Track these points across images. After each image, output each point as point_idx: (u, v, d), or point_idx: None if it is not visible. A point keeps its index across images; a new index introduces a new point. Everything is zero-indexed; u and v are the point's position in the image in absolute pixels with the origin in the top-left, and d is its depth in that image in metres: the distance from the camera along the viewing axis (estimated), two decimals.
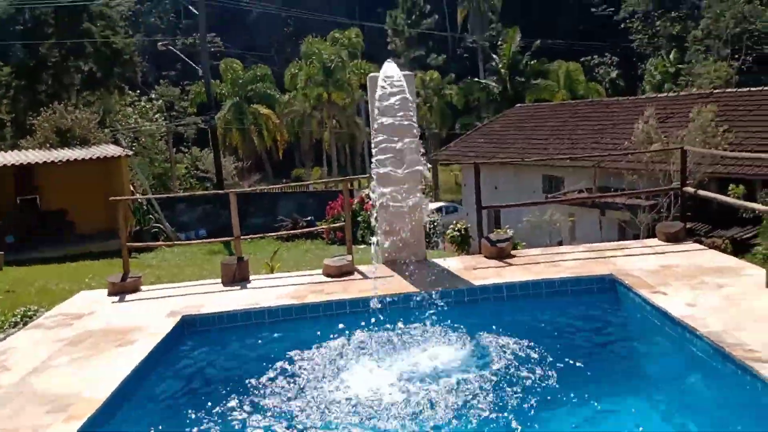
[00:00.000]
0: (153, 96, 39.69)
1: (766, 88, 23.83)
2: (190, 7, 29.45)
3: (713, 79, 40.90)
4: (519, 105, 36.57)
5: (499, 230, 16.51)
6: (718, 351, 4.72)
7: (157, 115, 34.62)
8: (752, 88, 24.58)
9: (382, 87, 6.81)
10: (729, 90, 27.54)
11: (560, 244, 18.10)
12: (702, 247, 8.00)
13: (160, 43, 34.13)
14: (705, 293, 5.89)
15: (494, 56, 46.80)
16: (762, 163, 16.91)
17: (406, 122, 6.74)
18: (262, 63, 50.48)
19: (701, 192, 8.50)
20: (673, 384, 5.06)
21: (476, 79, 48.81)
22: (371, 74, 7.51)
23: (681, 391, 4.94)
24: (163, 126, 34.21)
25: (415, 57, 44.80)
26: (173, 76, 58.02)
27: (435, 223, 21.26)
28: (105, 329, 6.23)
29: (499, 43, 48.07)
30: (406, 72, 7.47)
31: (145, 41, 55.48)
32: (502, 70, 44.70)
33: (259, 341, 6.17)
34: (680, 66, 47.62)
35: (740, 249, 15.29)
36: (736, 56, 45.99)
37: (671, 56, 49.54)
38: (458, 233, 18.09)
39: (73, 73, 33.51)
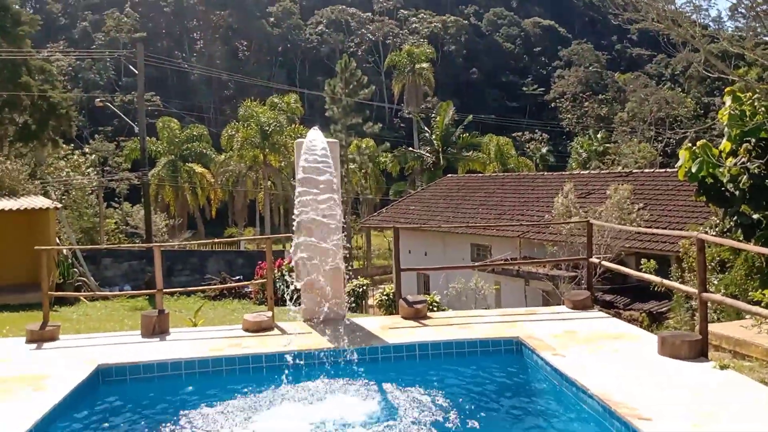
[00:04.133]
0: (87, 150, 39.13)
1: None
2: (130, 66, 29.58)
3: (638, 159, 43.57)
4: (450, 175, 37.88)
5: (427, 294, 16.92)
6: (605, 408, 5.12)
7: (89, 170, 34.08)
8: (668, 169, 25.77)
9: (307, 151, 7.20)
10: (646, 170, 29.45)
11: None
12: (605, 315, 8.57)
13: (98, 99, 33.91)
14: (600, 357, 6.35)
15: (426, 128, 48.59)
16: (671, 239, 18.02)
17: (327, 186, 7.11)
18: (199, 123, 50.79)
19: (605, 263, 9.14)
20: None
21: (410, 149, 50.37)
22: (298, 140, 7.91)
23: None
24: (95, 180, 33.64)
25: (351, 124, 46.00)
26: (109, 132, 57.49)
27: (363, 287, 21.27)
28: (19, 375, 6.21)
29: (433, 115, 50.00)
30: (331, 139, 7.92)
31: (83, 96, 55.06)
32: (435, 141, 46.37)
33: (175, 391, 6.22)
34: (608, 145, 50.52)
35: (656, 321, 16.16)
36: (659, 138, 49.08)
37: (599, 136, 52.55)
38: (386, 297, 18.35)
39: (8, 125, 32.83)
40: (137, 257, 23.55)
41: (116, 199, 42.25)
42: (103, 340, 7.55)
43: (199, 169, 43.98)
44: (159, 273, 7.89)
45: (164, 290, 8.16)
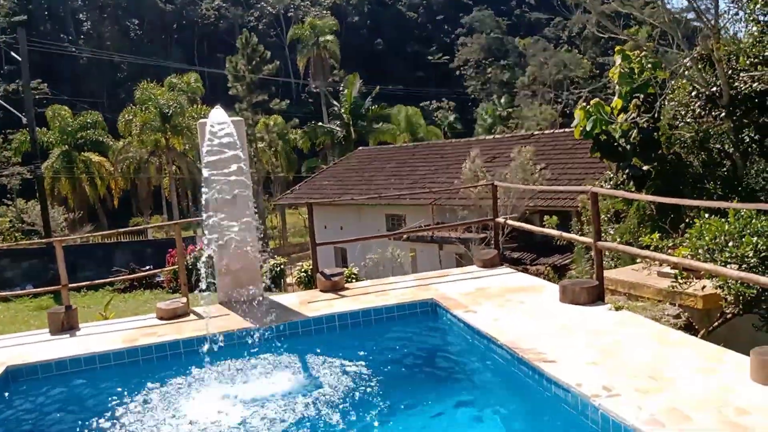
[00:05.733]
0: None
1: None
2: (12, 53, 27.60)
3: (539, 121, 45.19)
4: (361, 148, 38.00)
5: (345, 267, 17.04)
6: (514, 356, 5.45)
7: None
8: (567, 129, 26.82)
9: (210, 132, 7.06)
10: (547, 132, 30.64)
11: None
12: (513, 270, 8.98)
13: None
14: (508, 309, 6.69)
15: (335, 102, 48.36)
16: (570, 196, 18.98)
17: (234, 166, 7.02)
18: (92, 109, 48.30)
19: (510, 222, 9.55)
20: (477, 382, 5.88)
21: (320, 123, 50.02)
22: (200, 120, 7.74)
23: (484, 388, 5.76)
24: None
25: (257, 102, 45.12)
26: None
27: (280, 266, 21.19)
28: None
29: (341, 88, 49.81)
30: (236, 118, 7.79)
31: None
32: (345, 115, 46.27)
33: (90, 386, 6.06)
34: (511, 109, 52.02)
35: (560, 273, 17.05)
36: (559, 100, 50.96)
37: (503, 101, 53.93)
38: (304, 274, 18.36)
39: None
40: (37, 255, 22.34)
41: (8, 195, 39.77)
42: (10, 341, 7.17)
43: (96, 157, 41.93)
44: (62, 268, 7.56)
45: (69, 285, 7.84)
